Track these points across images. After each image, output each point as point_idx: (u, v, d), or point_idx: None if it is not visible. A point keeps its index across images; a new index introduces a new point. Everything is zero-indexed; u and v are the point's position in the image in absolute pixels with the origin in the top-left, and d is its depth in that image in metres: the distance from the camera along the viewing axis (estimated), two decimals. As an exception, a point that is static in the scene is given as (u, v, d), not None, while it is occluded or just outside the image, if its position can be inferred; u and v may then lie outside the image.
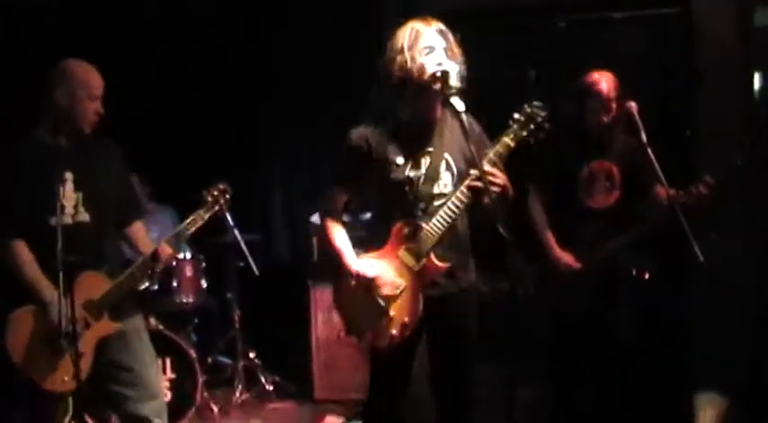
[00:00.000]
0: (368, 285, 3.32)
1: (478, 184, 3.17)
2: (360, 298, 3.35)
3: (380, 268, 3.33)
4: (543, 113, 3.32)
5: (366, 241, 3.51)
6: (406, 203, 3.35)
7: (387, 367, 3.42)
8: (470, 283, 3.51)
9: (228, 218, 5.13)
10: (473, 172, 3.20)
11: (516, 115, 3.33)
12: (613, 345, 4.35)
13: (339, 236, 3.47)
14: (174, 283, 5.37)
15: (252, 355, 5.73)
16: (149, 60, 6.10)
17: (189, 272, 5.44)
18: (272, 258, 6.23)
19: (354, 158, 3.40)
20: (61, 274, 3.23)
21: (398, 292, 3.31)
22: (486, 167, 3.19)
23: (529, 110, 3.33)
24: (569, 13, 5.79)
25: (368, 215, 3.68)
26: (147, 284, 5.08)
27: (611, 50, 5.63)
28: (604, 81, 4.31)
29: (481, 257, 3.59)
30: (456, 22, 4.75)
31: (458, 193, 3.27)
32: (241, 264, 5.41)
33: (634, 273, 4.41)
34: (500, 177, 3.22)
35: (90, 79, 3.62)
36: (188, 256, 5.49)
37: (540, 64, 5.77)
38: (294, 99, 6.22)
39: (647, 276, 4.42)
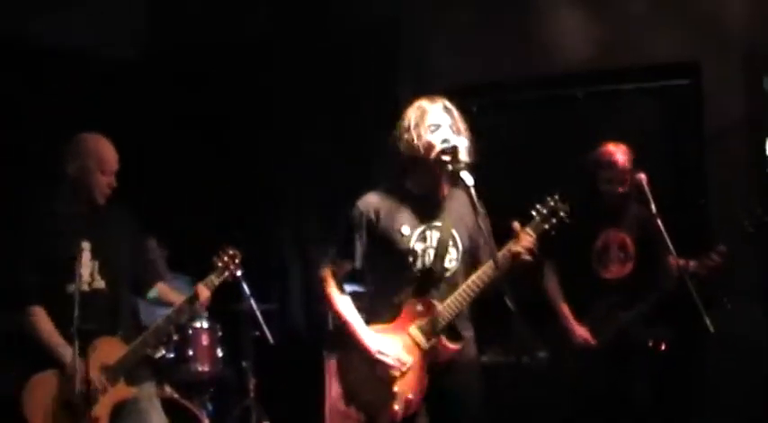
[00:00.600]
0: (374, 359, 3.31)
1: (521, 252, 3.23)
2: (364, 369, 3.35)
3: (389, 343, 3.33)
4: (567, 208, 3.36)
5: (368, 313, 3.48)
6: (412, 277, 3.36)
7: None
8: (471, 357, 3.48)
9: (245, 287, 5.18)
10: (515, 244, 3.23)
11: (539, 207, 3.37)
12: (630, 417, 4.31)
13: (346, 306, 3.46)
14: (190, 352, 5.34)
15: (266, 424, 5.69)
16: (162, 123, 6.21)
17: (205, 341, 5.42)
18: (288, 328, 6.23)
19: (360, 226, 3.40)
20: (77, 341, 3.27)
21: (404, 368, 3.31)
22: (531, 233, 3.27)
23: (552, 203, 3.37)
24: (579, 86, 5.87)
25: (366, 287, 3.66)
26: (163, 352, 5.11)
27: (624, 121, 5.70)
28: (620, 153, 4.37)
29: (490, 329, 3.60)
30: (469, 95, 4.93)
31: (474, 278, 3.31)
32: (257, 333, 5.42)
33: (650, 344, 4.40)
34: (536, 246, 3.28)
35: (103, 153, 3.71)
36: (204, 325, 5.48)
37: (554, 135, 5.83)
38: (313, 174, 6.31)
39: (663, 348, 4.40)
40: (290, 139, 6.37)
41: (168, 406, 4.58)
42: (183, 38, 6.23)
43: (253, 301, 5.26)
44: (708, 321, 3.86)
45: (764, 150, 5.38)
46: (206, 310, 3.97)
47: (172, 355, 5.25)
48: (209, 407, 5.59)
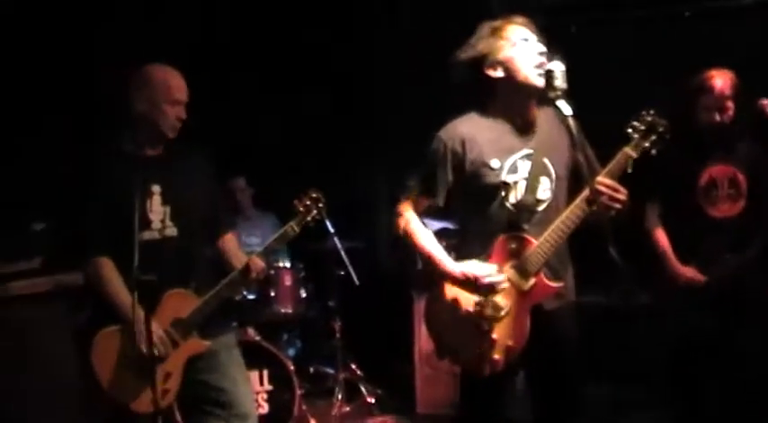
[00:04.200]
0: (473, 290, 3.02)
1: (598, 198, 2.89)
2: (456, 317, 3.07)
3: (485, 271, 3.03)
4: (664, 122, 3.03)
5: (458, 253, 3.20)
6: (505, 212, 3.08)
7: (479, 387, 3.14)
8: (570, 301, 3.21)
9: (329, 225, 4.99)
10: (595, 183, 2.89)
11: (636, 123, 3.04)
12: (740, 371, 3.97)
13: (427, 240, 3.18)
14: (273, 293, 5.26)
15: (353, 366, 5.57)
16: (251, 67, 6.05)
17: (288, 281, 5.33)
18: (376, 267, 6.05)
19: (444, 160, 3.13)
20: (136, 295, 3.11)
21: (502, 313, 3.03)
22: (607, 181, 2.92)
23: (649, 118, 3.04)
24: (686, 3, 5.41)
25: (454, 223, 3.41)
26: (243, 294, 5.01)
27: (737, 43, 5.20)
28: (720, 78, 3.94)
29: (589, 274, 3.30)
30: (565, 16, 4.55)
31: (571, 209, 3.01)
32: (342, 272, 5.26)
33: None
34: (622, 192, 2.93)
35: (170, 82, 3.43)
36: (287, 265, 5.38)
37: (658, 57, 5.36)
38: (405, 110, 6.06)
39: None
40: (384, 70, 6.11)
41: (251, 349, 4.56)
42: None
43: (337, 240, 5.08)
44: None
45: None
46: (259, 282, 3.72)
47: (253, 297, 5.16)
48: (298, 345, 5.52)
